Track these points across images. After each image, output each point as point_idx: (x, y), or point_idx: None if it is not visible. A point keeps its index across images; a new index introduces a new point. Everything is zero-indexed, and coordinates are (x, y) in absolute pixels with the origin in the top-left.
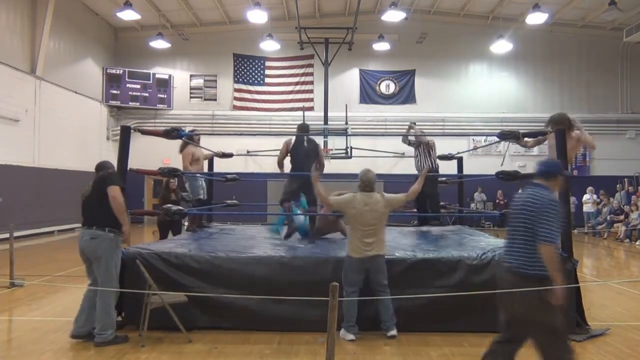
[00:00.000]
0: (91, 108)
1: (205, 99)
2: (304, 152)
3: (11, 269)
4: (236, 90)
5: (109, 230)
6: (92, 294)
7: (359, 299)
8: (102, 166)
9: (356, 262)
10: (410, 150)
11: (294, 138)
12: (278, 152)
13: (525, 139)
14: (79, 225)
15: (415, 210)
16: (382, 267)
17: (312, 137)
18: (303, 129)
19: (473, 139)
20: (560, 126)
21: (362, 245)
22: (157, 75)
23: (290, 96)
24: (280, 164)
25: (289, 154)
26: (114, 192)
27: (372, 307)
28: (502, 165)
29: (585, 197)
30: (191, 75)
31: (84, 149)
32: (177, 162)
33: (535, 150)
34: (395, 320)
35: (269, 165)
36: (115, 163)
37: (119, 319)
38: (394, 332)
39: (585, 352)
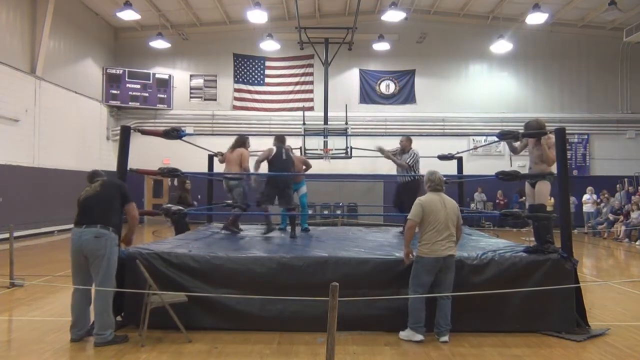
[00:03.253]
0: (91, 108)
1: (205, 99)
2: (282, 163)
3: (11, 269)
4: (236, 90)
5: (112, 230)
6: (83, 296)
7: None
8: (98, 173)
9: (432, 262)
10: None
11: (275, 149)
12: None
13: (515, 144)
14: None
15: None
16: (453, 268)
17: (289, 151)
18: (282, 140)
19: (473, 139)
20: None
21: (439, 244)
22: (157, 75)
23: (290, 96)
24: (258, 166)
25: (267, 162)
26: (135, 211)
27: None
28: (511, 166)
29: (585, 197)
30: (191, 75)
31: (84, 149)
32: (176, 163)
33: None
34: (450, 326)
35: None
36: (115, 163)
37: (119, 318)
38: (446, 337)
39: (585, 352)
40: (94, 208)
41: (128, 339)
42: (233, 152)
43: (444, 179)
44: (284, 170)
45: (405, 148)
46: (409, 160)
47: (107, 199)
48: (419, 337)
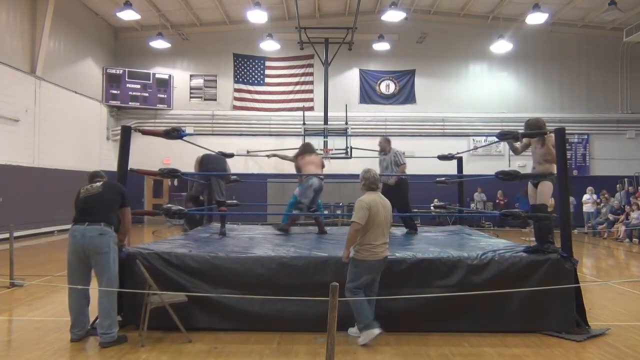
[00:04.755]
0: (91, 108)
1: (205, 99)
2: (213, 166)
3: (11, 269)
4: (236, 90)
5: (114, 229)
6: (82, 295)
7: (366, 298)
8: (99, 174)
9: (374, 264)
10: (411, 150)
11: (202, 155)
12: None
13: (516, 144)
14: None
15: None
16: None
17: (218, 155)
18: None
19: (473, 139)
20: (538, 130)
21: (380, 247)
22: (157, 75)
23: (290, 96)
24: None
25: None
26: (129, 215)
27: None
28: (509, 166)
29: (585, 197)
30: (191, 75)
31: (84, 149)
32: (176, 163)
33: None
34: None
35: (269, 165)
36: (115, 163)
37: (119, 318)
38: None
39: (585, 352)
40: (97, 206)
41: (127, 339)
42: (313, 156)
43: (379, 177)
44: (216, 165)
45: (385, 149)
46: (396, 159)
47: (109, 199)
48: (377, 330)
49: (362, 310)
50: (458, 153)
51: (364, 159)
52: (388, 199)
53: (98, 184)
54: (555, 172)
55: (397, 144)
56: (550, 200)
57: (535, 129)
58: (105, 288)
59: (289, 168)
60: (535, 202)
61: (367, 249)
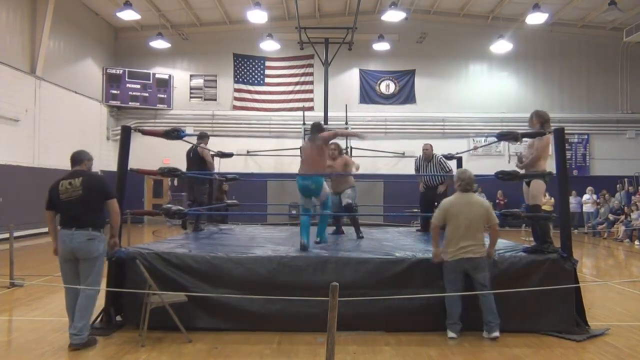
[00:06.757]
0: (91, 108)
1: (205, 99)
2: (188, 161)
3: (11, 269)
4: (236, 90)
5: (102, 231)
6: (77, 297)
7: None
8: (79, 158)
9: (453, 264)
10: (411, 150)
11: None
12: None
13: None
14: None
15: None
16: (480, 267)
17: (196, 147)
18: (200, 136)
19: (473, 139)
20: (543, 120)
21: (459, 248)
22: (157, 75)
23: (290, 96)
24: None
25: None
26: (116, 207)
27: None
28: (509, 163)
29: (585, 197)
30: (191, 75)
31: (83, 149)
32: (176, 163)
33: None
34: (498, 321)
35: (268, 165)
36: (115, 163)
37: (119, 318)
38: (496, 333)
39: (585, 352)
40: (82, 212)
41: (97, 341)
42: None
43: (474, 177)
44: (189, 166)
45: (428, 156)
46: (443, 165)
47: (91, 201)
48: (451, 334)
49: (447, 306)
50: (458, 153)
51: (364, 158)
52: (424, 201)
53: (77, 181)
54: (543, 169)
55: (397, 144)
56: (544, 199)
57: (544, 119)
58: (91, 287)
59: (289, 168)
60: (528, 202)
61: (447, 249)
